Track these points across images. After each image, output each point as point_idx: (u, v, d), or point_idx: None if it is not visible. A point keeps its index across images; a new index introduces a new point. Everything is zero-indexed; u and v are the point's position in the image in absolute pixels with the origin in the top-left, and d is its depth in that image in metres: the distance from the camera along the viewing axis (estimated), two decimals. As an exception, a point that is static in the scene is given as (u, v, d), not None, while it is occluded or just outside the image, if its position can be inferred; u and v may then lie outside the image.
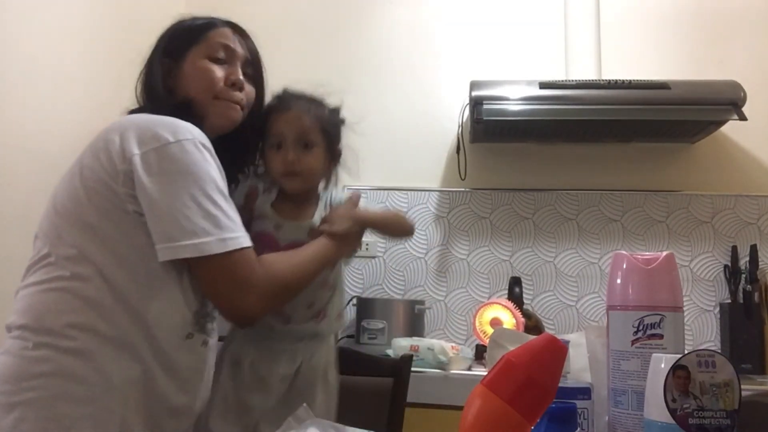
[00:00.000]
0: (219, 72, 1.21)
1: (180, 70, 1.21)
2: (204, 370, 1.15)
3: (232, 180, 1.27)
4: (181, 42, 1.23)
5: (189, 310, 1.09)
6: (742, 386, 0.74)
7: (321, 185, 1.36)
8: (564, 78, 2.21)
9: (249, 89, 1.26)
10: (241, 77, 1.23)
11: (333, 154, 1.34)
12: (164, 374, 1.07)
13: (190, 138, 1.07)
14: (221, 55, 1.22)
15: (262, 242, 1.22)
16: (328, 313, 1.32)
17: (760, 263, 2.26)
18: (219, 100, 1.20)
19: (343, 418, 1.35)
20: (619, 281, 0.93)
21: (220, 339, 1.25)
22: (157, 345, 1.05)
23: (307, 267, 1.19)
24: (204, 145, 1.08)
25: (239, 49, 1.25)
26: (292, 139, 1.27)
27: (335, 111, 1.35)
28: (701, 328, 2.32)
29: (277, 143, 1.28)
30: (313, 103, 1.32)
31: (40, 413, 0.98)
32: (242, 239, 1.07)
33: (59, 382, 1.00)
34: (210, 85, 1.20)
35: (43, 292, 1.05)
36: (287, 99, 1.32)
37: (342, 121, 1.37)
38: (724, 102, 2.10)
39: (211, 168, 1.07)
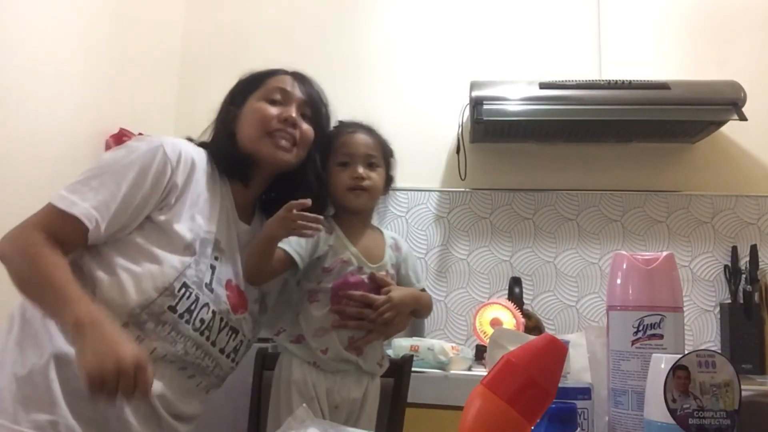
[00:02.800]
0: (273, 110, 1.27)
1: (240, 114, 1.29)
2: None
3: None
4: (244, 89, 1.33)
5: (129, 298, 1.10)
6: (742, 386, 0.74)
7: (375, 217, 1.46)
8: (564, 78, 2.21)
9: (306, 128, 1.30)
10: (294, 115, 1.28)
11: (388, 179, 1.44)
12: None
13: (153, 140, 1.18)
14: (277, 97, 1.29)
15: (348, 283, 1.31)
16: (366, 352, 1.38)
17: (760, 263, 2.26)
18: (270, 136, 1.26)
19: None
20: (619, 281, 0.93)
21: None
22: None
23: (40, 278, 1.07)
24: (165, 152, 1.16)
25: (296, 92, 1.31)
26: (361, 157, 1.36)
27: (387, 141, 1.45)
28: (701, 328, 2.31)
29: (344, 162, 1.36)
30: (372, 129, 1.42)
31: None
32: (65, 201, 1.10)
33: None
34: (262, 122, 1.26)
35: None
36: (350, 124, 1.41)
37: (392, 152, 1.46)
38: (724, 102, 2.10)
39: (142, 162, 1.14)
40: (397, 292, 1.34)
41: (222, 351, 1.22)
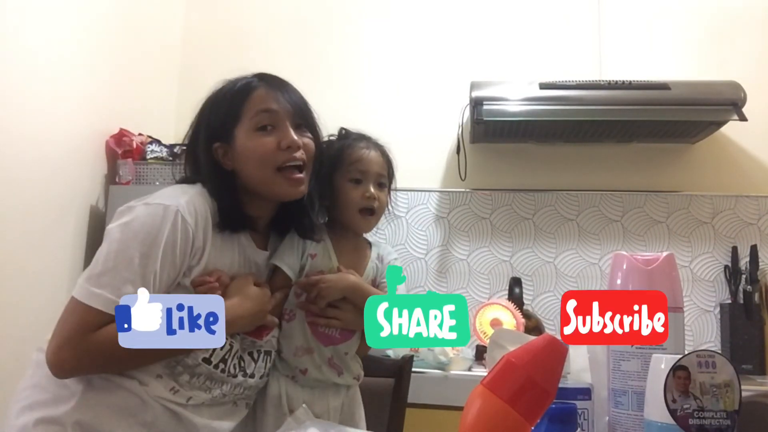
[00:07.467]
0: (271, 142, 1.16)
1: (234, 151, 1.18)
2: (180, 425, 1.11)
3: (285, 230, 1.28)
4: (225, 123, 1.18)
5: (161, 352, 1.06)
6: (742, 387, 0.74)
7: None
8: (564, 78, 2.21)
9: (307, 141, 1.21)
10: (294, 136, 1.17)
11: (389, 199, 1.40)
12: None
13: (169, 207, 1.08)
14: (266, 121, 1.17)
15: None
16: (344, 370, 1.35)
17: (760, 263, 2.26)
18: (281, 172, 1.17)
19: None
20: (619, 282, 0.94)
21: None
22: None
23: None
24: (184, 219, 1.08)
25: (281, 106, 1.18)
26: (373, 176, 1.32)
27: (392, 158, 1.41)
28: (701, 328, 2.31)
29: (357, 179, 1.31)
30: (382, 146, 1.38)
31: None
32: (101, 300, 1.03)
33: None
34: (267, 161, 1.16)
35: None
36: (359, 137, 1.36)
37: (394, 169, 1.42)
38: (724, 102, 2.10)
39: (166, 237, 1.07)
40: (331, 275, 1.29)
41: (261, 377, 1.21)
